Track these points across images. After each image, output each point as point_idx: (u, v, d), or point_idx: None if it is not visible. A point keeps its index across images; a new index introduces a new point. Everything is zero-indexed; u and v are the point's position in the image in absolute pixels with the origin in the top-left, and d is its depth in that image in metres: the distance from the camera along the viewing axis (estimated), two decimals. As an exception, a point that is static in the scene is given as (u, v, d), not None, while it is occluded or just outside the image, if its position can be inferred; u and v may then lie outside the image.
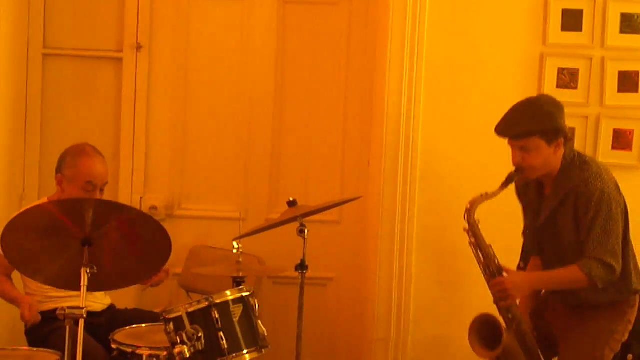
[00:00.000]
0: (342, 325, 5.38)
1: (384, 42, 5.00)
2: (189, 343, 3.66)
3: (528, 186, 4.14)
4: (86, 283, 3.51)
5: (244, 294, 3.84)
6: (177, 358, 3.65)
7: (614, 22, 4.94)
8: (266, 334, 3.86)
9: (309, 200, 4.68)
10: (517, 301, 4.08)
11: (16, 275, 4.30)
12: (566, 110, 4.03)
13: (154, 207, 5.30)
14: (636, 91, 4.94)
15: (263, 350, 3.82)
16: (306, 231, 4.22)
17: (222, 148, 5.37)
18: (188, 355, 3.64)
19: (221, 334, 3.70)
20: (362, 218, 5.23)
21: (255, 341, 3.79)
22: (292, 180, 5.35)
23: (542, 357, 4.09)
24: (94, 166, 4.34)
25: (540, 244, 4.10)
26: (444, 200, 4.97)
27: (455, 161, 4.98)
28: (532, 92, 4.89)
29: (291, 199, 4.35)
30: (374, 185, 5.08)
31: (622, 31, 4.96)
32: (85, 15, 5.29)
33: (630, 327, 4.05)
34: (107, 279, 3.70)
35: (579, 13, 4.94)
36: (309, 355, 4.38)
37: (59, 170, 4.38)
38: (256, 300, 3.89)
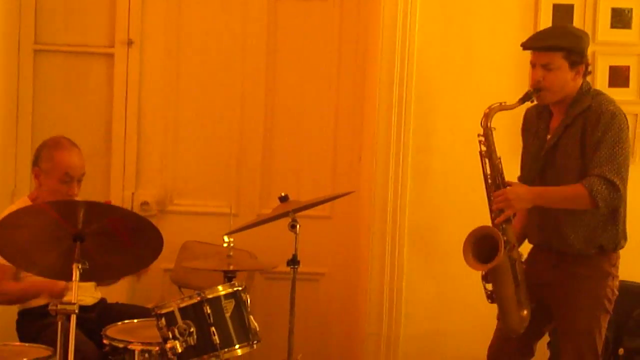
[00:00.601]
0: (334, 321, 5.39)
1: (375, 38, 5.00)
2: (180, 338, 3.66)
3: (540, 115, 4.11)
4: (78, 279, 3.51)
5: (236, 289, 3.84)
6: (169, 353, 3.65)
7: (605, 17, 4.96)
8: (258, 329, 3.86)
9: (300, 195, 4.69)
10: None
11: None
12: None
13: (145, 203, 5.30)
14: (627, 86, 4.96)
15: (255, 345, 3.82)
16: (298, 226, 4.22)
17: (214, 144, 5.37)
18: (180, 351, 3.64)
19: (213, 329, 3.70)
20: (353, 213, 5.24)
21: (247, 336, 3.80)
22: (283, 175, 5.36)
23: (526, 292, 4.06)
24: (70, 158, 4.35)
25: (542, 172, 4.04)
26: (436, 195, 4.99)
27: (447, 157, 4.99)
28: (524, 88, 4.86)
29: (283, 194, 4.35)
30: (366, 181, 5.09)
31: (612, 26, 4.97)
32: (77, 11, 5.28)
33: (617, 283, 4.03)
34: (99, 272, 3.71)
35: (570, 8, 4.95)
36: (301, 350, 4.38)
37: (35, 163, 4.39)
38: (248, 296, 3.89)
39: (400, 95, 4.95)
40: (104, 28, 5.28)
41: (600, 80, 4.93)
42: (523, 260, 4.09)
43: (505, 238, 3.97)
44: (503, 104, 3.99)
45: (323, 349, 5.37)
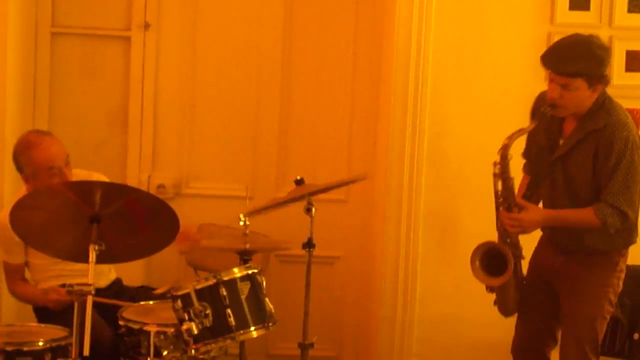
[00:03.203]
0: (349, 304, 5.40)
1: (391, 22, 5.00)
2: (196, 320, 3.68)
3: (552, 120, 4.11)
4: (94, 260, 3.54)
5: (252, 271, 3.86)
6: (185, 335, 3.67)
7: (622, 2, 4.95)
8: (273, 311, 3.88)
9: (316, 179, 4.69)
10: None
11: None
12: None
13: (162, 186, 5.31)
14: (643, 70, 4.95)
15: (270, 327, 3.84)
16: (313, 210, 4.24)
17: (230, 127, 5.38)
18: (196, 332, 3.66)
19: (229, 310, 3.72)
20: (368, 197, 5.24)
21: (262, 318, 3.81)
22: (299, 159, 5.36)
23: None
24: (47, 152, 4.29)
25: (552, 174, 4.07)
26: (451, 179, 4.99)
27: (462, 141, 4.99)
28: (540, 72, 4.87)
29: (298, 177, 4.36)
30: (381, 165, 5.09)
31: (630, 10, 4.96)
32: (94, -6, 5.30)
33: (623, 276, 4.07)
34: (115, 253, 3.74)
35: (587, -7, 4.94)
36: (316, 333, 4.39)
37: (19, 170, 4.36)
38: (263, 278, 3.91)
39: (416, 80, 4.95)
40: (120, 11, 5.28)
41: (617, 65, 4.91)
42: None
43: (516, 251, 4.08)
44: (520, 130, 4.02)
45: (338, 332, 5.39)
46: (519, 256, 4.13)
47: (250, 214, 4.31)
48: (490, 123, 4.91)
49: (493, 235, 4.15)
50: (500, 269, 4.04)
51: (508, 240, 4.09)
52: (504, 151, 4.01)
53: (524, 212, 4.01)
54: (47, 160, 4.27)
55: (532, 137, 4.18)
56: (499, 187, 4.05)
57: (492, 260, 4.07)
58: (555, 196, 4.07)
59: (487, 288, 4.18)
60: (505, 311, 4.23)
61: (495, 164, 4.04)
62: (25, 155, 4.32)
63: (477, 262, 4.10)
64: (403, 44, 4.94)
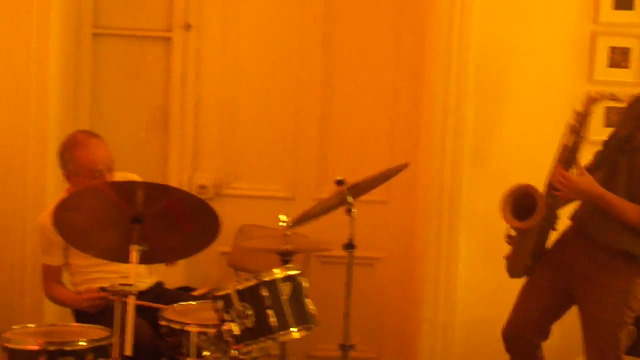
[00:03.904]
0: (390, 306, 5.38)
1: (432, 21, 4.97)
2: (238, 320, 3.66)
3: None
4: (136, 260, 3.55)
5: (293, 273, 3.84)
6: (227, 335, 3.66)
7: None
8: (315, 313, 3.86)
9: (357, 179, 4.67)
10: None
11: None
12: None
13: (203, 187, 5.32)
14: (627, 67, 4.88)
15: (312, 328, 3.82)
16: (354, 211, 4.22)
17: (271, 128, 5.39)
18: (237, 333, 3.65)
19: (270, 312, 3.70)
20: (410, 198, 5.22)
21: (303, 319, 3.79)
22: (340, 159, 5.36)
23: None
24: (93, 154, 4.30)
25: (615, 167, 3.98)
26: (493, 180, 4.93)
27: (504, 142, 4.95)
28: (583, 72, 4.86)
29: (339, 178, 4.34)
30: (423, 165, 5.06)
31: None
32: (136, -5, 5.33)
33: None
34: (156, 254, 3.74)
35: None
36: (357, 335, 4.37)
37: (62, 167, 4.37)
38: (305, 279, 3.89)
39: (458, 80, 4.92)
40: (162, 12, 5.31)
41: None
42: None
43: (552, 202, 3.99)
44: (613, 95, 3.91)
45: (379, 334, 5.37)
46: (552, 222, 4.04)
47: (296, 222, 4.29)
48: (532, 123, 4.87)
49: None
50: (529, 215, 3.97)
51: (551, 202, 3.99)
52: (589, 106, 3.92)
53: (579, 176, 3.92)
54: (91, 162, 4.29)
55: (619, 125, 4.10)
56: (570, 141, 3.95)
57: (523, 206, 3.98)
58: (613, 187, 3.95)
59: (507, 238, 4.11)
60: (513, 268, 4.16)
61: (576, 114, 3.94)
62: (70, 153, 4.34)
63: (509, 203, 4.01)
64: (445, 44, 4.91)
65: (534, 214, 3.98)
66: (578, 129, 3.96)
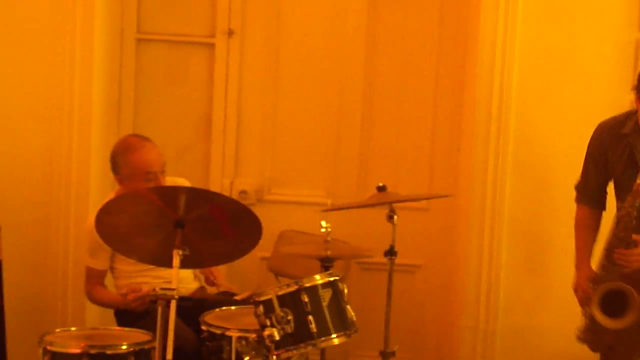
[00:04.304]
0: (430, 313, 5.36)
1: (475, 28, 4.95)
2: (278, 326, 3.67)
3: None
4: (178, 264, 3.56)
5: (333, 279, 3.84)
6: (267, 340, 3.66)
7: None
8: (355, 319, 3.85)
9: (398, 186, 4.68)
10: None
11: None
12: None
13: (244, 192, 5.34)
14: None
15: (351, 334, 3.81)
16: (395, 217, 4.21)
17: (312, 134, 5.39)
18: (278, 338, 3.65)
19: (310, 317, 3.70)
20: (451, 205, 5.19)
21: (344, 326, 3.79)
22: (380, 166, 5.34)
23: None
24: (146, 157, 4.33)
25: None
26: (536, 187, 4.92)
27: (548, 148, 4.91)
28: (628, 79, 4.78)
29: (380, 184, 4.34)
30: (464, 172, 5.04)
31: None
32: (179, 1, 5.34)
33: None
34: (198, 258, 3.75)
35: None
36: (397, 341, 4.36)
37: (114, 171, 4.40)
38: (345, 285, 3.89)
39: (500, 86, 4.88)
40: (205, 18, 5.33)
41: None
42: None
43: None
44: None
45: (419, 341, 5.35)
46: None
47: (330, 209, 4.29)
48: (575, 130, 4.81)
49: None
50: (619, 309, 3.95)
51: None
52: None
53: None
54: (145, 165, 4.32)
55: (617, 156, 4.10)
56: (619, 229, 3.97)
57: (610, 301, 3.98)
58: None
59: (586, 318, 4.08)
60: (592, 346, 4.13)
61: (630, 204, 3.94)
62: (123, 156, 4.37)
63: (597, 305, 3.99)
64: (488, 49, 4.88)
65: (627, 314, 3.94)
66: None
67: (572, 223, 4.24)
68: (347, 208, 4.41)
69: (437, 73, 5.29)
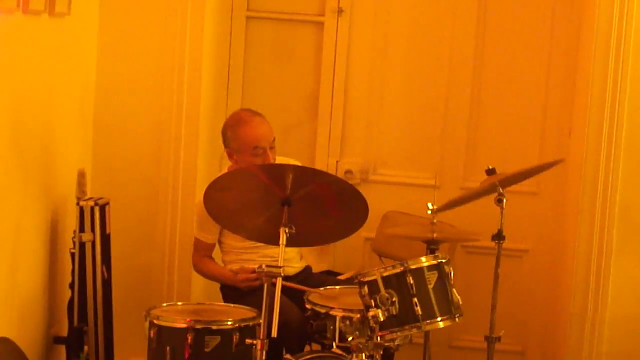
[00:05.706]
0: (536, 299, 5.27)
1: (591, 12, 4.82)
2: (383, 307, 3.64)
3: None
4: (285, 242, 3.56)
5: (440, 261, 3.80)
6: (372, 321, 3.65)
7: None
8: (461, 303, 3.80)
9: (506, 169, 4.57)
10: None
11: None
12: None
13: (349, 171, 5.32)
14: None
15: (457, 318, 3.76)
16: (504, 201, 4.13)
17: (419, 114, 5.33)
18: (382, 319, 3.63)
19: (415, 299, 3.67)
20: (561, 189, 5.09)
21: (449, 309, 3.75)
22: (489, 148, 5.26)
23: None
24: (255, 131, 4.37)
25: None
26: (649, 174, 4.79)
27: (663, 133, 4.77)
28: None
29: (490, 167, 4.27)
30: (576, 156, 4.93)
31: None
32: (289, -21, 5.35)
33: None
34: (304, 237, 3.75)
35: None
36: (501, 327, 4.29)
37: (225, 144, 4.45)
38: (451, 268, 3.84)
39: (615, 70, 4.75)
40: (315, -4, 5.33)
41: None
42: None
43: None
44: None
45: (524, 327, 5.27)
46: None
47: (441, 209, 4.24)
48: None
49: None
50: None
51: None
52: None
53: None
54: (253, 139, 4.35)
55: None
56: None
57: None
58: None
59: None
60: None
61: None
62: (233, 130, 4.42)
63: None
64: (602, 32, 4.75)
65: None
66: None
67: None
68: (460, 202, 4.32)
69: (549, 56, 5.19)
